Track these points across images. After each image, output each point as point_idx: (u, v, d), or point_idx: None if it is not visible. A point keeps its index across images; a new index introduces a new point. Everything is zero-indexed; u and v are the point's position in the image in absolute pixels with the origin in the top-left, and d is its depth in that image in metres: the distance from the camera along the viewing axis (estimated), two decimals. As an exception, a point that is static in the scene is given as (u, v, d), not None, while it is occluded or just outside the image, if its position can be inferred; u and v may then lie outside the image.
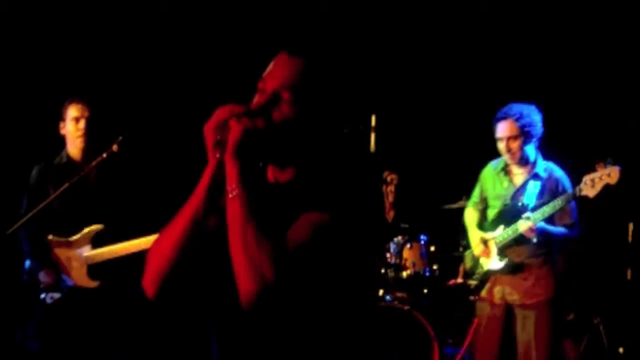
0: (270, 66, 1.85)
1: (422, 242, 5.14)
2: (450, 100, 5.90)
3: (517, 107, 4.05)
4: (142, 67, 5.41)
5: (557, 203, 3.91)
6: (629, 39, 5.44)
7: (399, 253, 5.06)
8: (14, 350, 4.34)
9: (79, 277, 3.90)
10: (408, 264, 5.04)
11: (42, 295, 3.91)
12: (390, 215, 5.18)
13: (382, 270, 5.02)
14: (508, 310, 4.13)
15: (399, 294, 4.89)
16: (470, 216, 4.41)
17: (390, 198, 5.07)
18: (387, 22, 5.76)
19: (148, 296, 1.82)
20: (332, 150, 1.90)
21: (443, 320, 5.11)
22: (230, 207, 1.73)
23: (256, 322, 1.77)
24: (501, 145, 4.08)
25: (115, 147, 3.85)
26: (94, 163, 3.88)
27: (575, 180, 4.01)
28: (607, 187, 3.77)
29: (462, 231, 4.92)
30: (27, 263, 4.00)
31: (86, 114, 3.99)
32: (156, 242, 1.83)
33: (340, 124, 1.94)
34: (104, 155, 3.87)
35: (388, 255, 5.06)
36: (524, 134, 4.02)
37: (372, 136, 4.97)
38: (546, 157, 4.23)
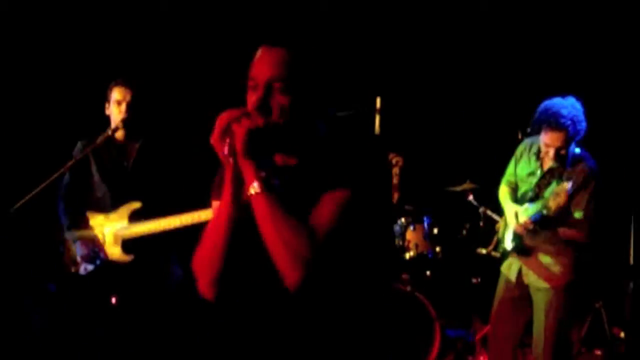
0: (255, 62, 1.93)
1: (426, 224, 5.15)
2: (456, 82, 5.90)
3: (567, 114, 3.83)
4: (181, 50, 5.48)
5: (541, 204, 3.88)
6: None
7: (402, 235, 5.08)
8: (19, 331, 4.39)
9: (113, 251, 3.96)
10: (411, 245, 5.06)
11: (74, 268, 3.98)
12: (395, 197, 5.20)
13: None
14: (526, 291, 4.09)
15: (401, 276, 4.92)
16: (503, 192, 4.34)
17: (395, 180, 5.09)
18: (391, 5, 5.75)
19: (210, 300, 1.96)
20: (333, 130, 2.00)
21: (445, 302, 5.14)
22: (255, 204, 1.84)
23: (297, 301, 1.89)
24: (548, 150, 3.92)
25: (109, 133, 3.92)
26: (99, 140, 3.93)
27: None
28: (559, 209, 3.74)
29: (466, 213, 4.93)
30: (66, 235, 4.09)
31: (128, 97, 3.99)
32: (200, 252, 1.96)
33: (334, 105, 2.04)
34: (109, 132, 3.93)
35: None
36: (572, 139, 3.88)
37: (377, 118, 4.97)
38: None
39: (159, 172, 3.99)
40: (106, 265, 3.96)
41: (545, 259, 4.03)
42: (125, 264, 3.94)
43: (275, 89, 1.88)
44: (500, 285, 4.20)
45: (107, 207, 4.01)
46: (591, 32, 5.51)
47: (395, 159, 5.17)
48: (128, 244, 3.95)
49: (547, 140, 3.91)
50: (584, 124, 3.89)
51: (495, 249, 4.32)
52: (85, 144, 4.07)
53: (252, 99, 1.90)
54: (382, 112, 4.97)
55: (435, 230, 5.17)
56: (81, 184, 4.07)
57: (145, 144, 4.04)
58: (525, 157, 4.17)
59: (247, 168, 1.84)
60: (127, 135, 4.04)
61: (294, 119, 1.90)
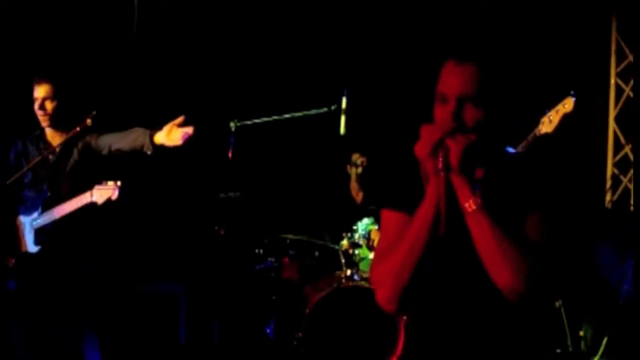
0: (446, 77, 1.99)
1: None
2: (421, 81, 5.93)
3: None
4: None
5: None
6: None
7: (367, 234, 5.09)
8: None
9: (25, 242, 4.00)
10: (376, 244, 5.07)
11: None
12: (360, 196, 5.22)
13: (350, 251, 5.06)
14: None
15: (365, 274, 4.93)
16: None
17: (359, 180, 5.12)
18: (355, 4, 5.80)
19: (390, 312, 1.99)
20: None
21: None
22: (473, 221, 1.90)
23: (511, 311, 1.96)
24: None
25: (89, 122, 3.94)
26: (66, 137, 3.97)
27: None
28: (565, 118, 3.79)
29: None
30: None
31: (42, 94, 3.97)
32: (385, 263, 1.97)
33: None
34: (78, 129, 3.96)
35: (356, 235, 5.09)
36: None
37: (343, 118, 4.99)
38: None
39: (75, 164, 4.01)
40: (23, 257, 4.00)
41: None
42: (34, 254, 3.98)
43: (468, 103, 1.92)
44: None
45: (31, 198, 4.05)
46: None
47: (360, 159, 5.20)
48: (39, 235, 3.98)
49: None
50: None
51: None
52: (16, 146, 4.14)
53: (443, 113, 1.95)
54: (347, 111, 4.98)
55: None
56: (14, 180, 4.06)
57: (70, 137, 4.02)
58: None
59: (462, 184, 1.90)
60: (54, 127, 4.04)
61: (486, 132, 1.94)
